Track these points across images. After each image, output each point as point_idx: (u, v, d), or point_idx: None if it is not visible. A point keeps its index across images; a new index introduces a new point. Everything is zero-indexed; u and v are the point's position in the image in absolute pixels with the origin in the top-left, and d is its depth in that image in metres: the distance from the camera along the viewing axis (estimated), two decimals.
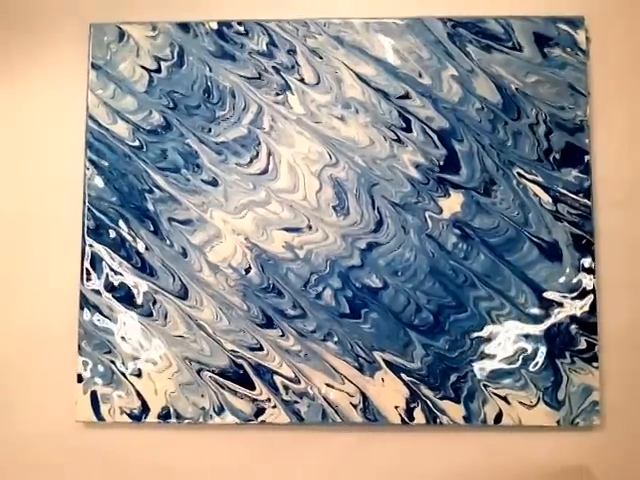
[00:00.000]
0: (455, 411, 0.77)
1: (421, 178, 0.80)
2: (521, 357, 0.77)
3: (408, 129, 0.80)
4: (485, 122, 0.80)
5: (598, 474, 0.77)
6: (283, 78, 0.81)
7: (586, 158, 0.79)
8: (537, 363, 0.77)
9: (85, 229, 0.81)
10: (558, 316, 0.77)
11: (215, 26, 0.82)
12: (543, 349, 0.77)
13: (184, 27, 0.82)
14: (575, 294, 0.78)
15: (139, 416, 0.79)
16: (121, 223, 0.80)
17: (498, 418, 0.77)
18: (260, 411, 0.78)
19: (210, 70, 0.82)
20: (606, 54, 0.80)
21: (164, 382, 0.79)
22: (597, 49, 0.81)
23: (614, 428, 0.77)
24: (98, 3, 0.84)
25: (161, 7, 0.83)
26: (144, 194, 0.81)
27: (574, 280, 0.78)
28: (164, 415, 0.79)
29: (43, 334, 0.81)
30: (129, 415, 0.79)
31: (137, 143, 0.82)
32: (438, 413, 0.77)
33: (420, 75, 0.81)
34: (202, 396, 0.79)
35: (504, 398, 0.77)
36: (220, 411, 0.79)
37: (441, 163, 0.80)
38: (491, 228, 0.79)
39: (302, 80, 0.81)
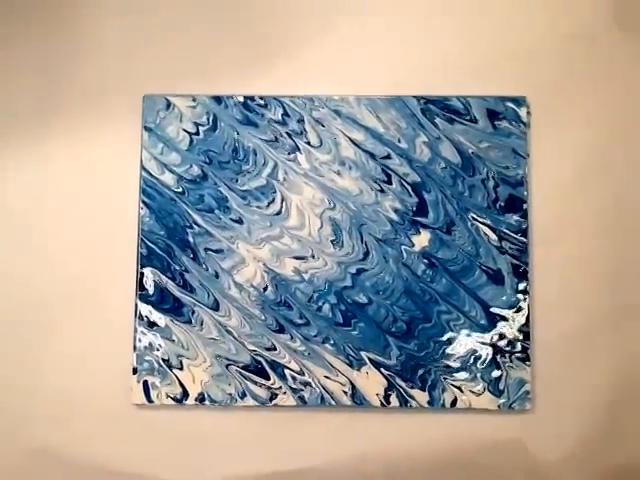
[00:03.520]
0: (421, 397, 0.98)
1: (398, 220, 1.01)
2: (472, 357, 0.99)
3: (389, 182, 1.01)
4: (448, 178, 1.01)
5: (528, 445, 0.98)
6: (294, 141, 1.02)
7: (524, 206, 1.00)
8: (484, 361, 0.99)
9: (139, 256, 1.01)
10: (500, 326, 0.99)
11: (241, 99, 1.03)
12: (489, 351, 0.99)
13: (217, 100, 1.03)
14: (514, 309, 0.99)
15: (180, 399, 0.99)
16: (168, 251, 1.01)
17: (454, 403, 0.98)
18: (274, 396, 0.99)
19: (238, 134, 1.02)
20: (542, 125, 1.01)
21: (200, 374, 0.99)
22: (535, 121, 1.01)
23: (541, 412, 0.98)
24: (149, 80, 1.03)
25: (199, 84, 1.03)
26: (186, 229, 1.02)
27: (513, 299, 0.99)
28: (200, 399, 0.99)
29: (106, 336, 1.01)
30: (172, 399, 0.99)
31: (180, 190, 1.02)
32: (408, 398, 0.98)
33: (399, 141, 1.02)
34: (229, 385, 0.99)
35: (459, 387, 0.98)
36: (243, 396, 0.99)
37: (414, 209, 1.01)
38: (451, 259, 1.00)
39: (308, 143, 1.02)
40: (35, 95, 1.05)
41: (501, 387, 0.98)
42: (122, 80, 1.04)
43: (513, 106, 1.02)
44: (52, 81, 1.05)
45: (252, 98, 1.03)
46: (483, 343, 0.99)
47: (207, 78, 1.04)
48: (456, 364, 0.99)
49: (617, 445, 0.99)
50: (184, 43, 1.04)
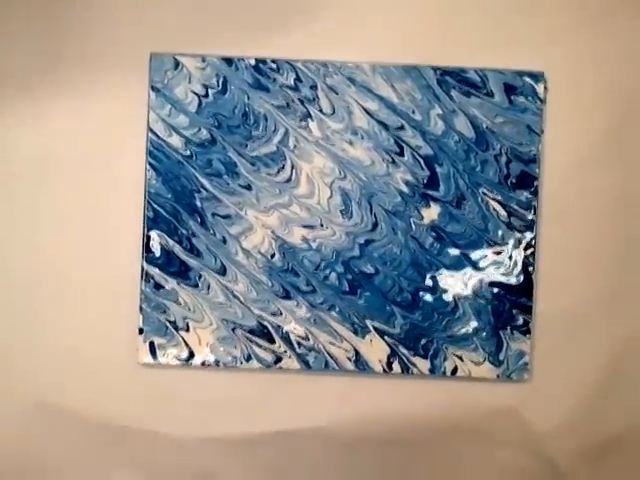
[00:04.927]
0: (423, 365, 1.01)
1: (409, 192, 1.01)
2: (474, 328, 1.02)
3: (401, 154, 1.01)
4: (461, 152, 1.00)
5: (523, 413, 1.02)
6: (306, 108, 1.00)
7: (535, 183, 1.01)
8: (485, 333, 1.01)
9: (145, 218, 1.00)
10: (503, 300, 1.02)
11: (253, 62, 1.00)
12: (491, 323, 1.01)
13: (228, 62, 1.00)
14: (518, 285, 1.01)
15: (186, 360, 1.01)
16: (175, 215, 1.00)
17: (454, 371, 1.01)
18: (279, 359, 1.01)
19: (248, 98, 1.00)
20: (558, 102, 1.00)
21: (206, 336, 1.01)
22: (552, 98, 1.00)
23: (538, 382, 1.02)
24: (157, 38, 0.99)
25: (209, 44, 0.99)
26: (193, 193, 1.01)
27: (518, 275, 1.01)
28: (206, 360, 1.01)
29: (112, 299, 1.02)
30: (178, 359, 1.01)
31: (188, 153, 1.01)
32: (410, 366, 1.01)
33: (413, 112, 1.00)
34: (235, 347, 1.01)
35: (459, 357, 1.01)
36: (248, 359, 1.01)
37: (425, 181, 1.01)
38: (459, 233, 1.01)
39: (321, 110, 1.00)
40: (37, 54, 1.00)
41: (501, 358, 1.02)
42: (128, 38, 1.00)
43: (531, 81, 1.00)
44: (54, 39, 1.00)
45: (264, 61, 1.00)
46: (486, 315, 1.02)
47: (218, 38, 1.00)
48: (458, 334, 1.01)
49: (611, 417, 1.03)
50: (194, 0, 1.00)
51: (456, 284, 1.01)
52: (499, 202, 1.01)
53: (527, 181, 1.01)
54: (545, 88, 1.00)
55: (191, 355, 1.02)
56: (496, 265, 1.01)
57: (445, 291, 1.01)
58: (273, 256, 1.02)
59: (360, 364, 1.02)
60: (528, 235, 1.01)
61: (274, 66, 1.00)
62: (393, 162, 1.01)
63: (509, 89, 1.00)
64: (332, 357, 1.02)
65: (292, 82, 1.00)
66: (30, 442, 1.03)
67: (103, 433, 1.03)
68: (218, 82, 1.00)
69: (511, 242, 1.01)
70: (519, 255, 1.01)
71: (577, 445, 1.04)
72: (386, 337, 1.02)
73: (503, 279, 1.01)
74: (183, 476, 1.04)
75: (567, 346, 1.03)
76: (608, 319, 1.03)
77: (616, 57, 1.01)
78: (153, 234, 1.01)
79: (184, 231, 1.01)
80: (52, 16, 1.00)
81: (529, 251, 1.01)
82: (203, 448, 1.03)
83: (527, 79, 1.00)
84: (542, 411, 1.03)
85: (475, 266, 1.01)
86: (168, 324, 1.02)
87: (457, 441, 1.04)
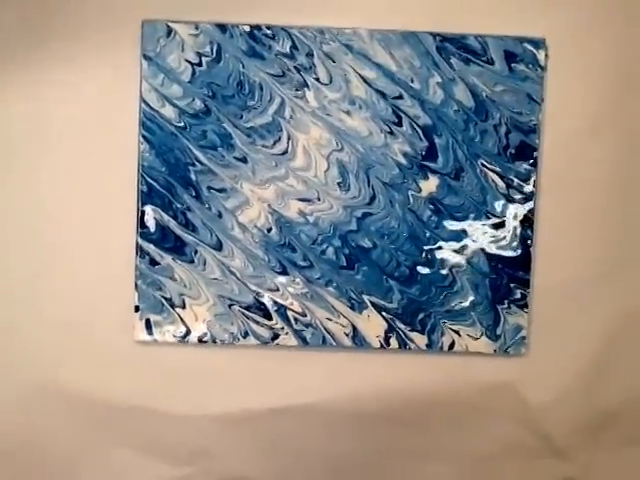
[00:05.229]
0: (420, 340, 1.01)
1: (407, 164, 0.99)
2: (471, 302, 1.00)
3: (399, 124, 0.99)
4: (460, 121, 0.98)
5: (520, 387, 1.02)
6: (302, 77, 0.97)
7: (535, 154, 0.99)
8: (482, 307, 1.00)
9: (139, 192, 0.98)
10: (501, 273, 1.01)
11: (247, 29, 0.97)
12: (488, 297, 1.00)
13: (222, 28, 0.97)
14: (516, 258, 1.00)
15: (183, 337, 1.00)
16: (169, 189, 0.98)
17: (451, 346, 1.00)
18: (276, 336, 1.00)
19: (243, 67, 0.97)
20: (559, 71, 0.98)
21: (203, 313, 0.99)
22: (553, 65, 0.98)
23: (535, 357, 1.01)
24: (149, 4, 0.96)
25: (202, 10, 0.96)
26: (187, 166, 0.98)
27: (516, 248, 1.00)
28: (202, 337, 1.00)
29: (107, 275, 0.99)
30: (175, 336, 1.00)
31: (182, 124, 0.98)
32: (408, 341, 1.00)
33: (412, 80, 0.98)
34: (232, 324, 1.00)
35: (457, 332, 1.00)
36: (245, 335, 1.00)
37: (423, 153, 0.99)
38: (458, 205, 0.99)
39: (317, 79, 0.98)
40: (25, 21, 0.97)
41: (498, 332, 1.01)
42: (119, 5, 0.97)
43: (531, 48, 0.98)
44: (44, 8, 0.97)
45: (259, 28, 0.97)
46: (483, 290, 1.01)
47: (211, 3, 0.97)
48: (455, 309, 1.00)
49: (607, 391, 1.03)
50: None
51: (454, 257, 1.00)
52: (498, 174, 0.99)
53: (526, 152, 0.99)
54: (546, 55, 0.98)
55: (187, 332, 1.00)
56: (494, 238, 1.00)
57: (443, 264, 1.00)
58: (270, 230, 1.00)
59: (357, 340, 1.01)
60: (527, 207, 1.00)
61: (269, 33, 0.97)
62: (391, 133, 0.99)
63: (509, 56, 0.98)
64: (329, 333, 1.01)
65: (288, 49, 0.97)
66: (27, 420, 1.01)
67: (99, 410, 1.01)
68: (212, 50, 0.97)
69: (509, 214, 1.00)
70: (517, 228, 1.00)
71: (573, 419, 1.03)
72: (383, 312, 1.01)
73: (501, 252, 1.00)
74: (180, 453, 1.03)
75: (565, 320, 1.02)
76: (606, 293, 1.02)
77: (619, 23, 0.99)
78: (147, 209, 0.99)
79: (179, 205, 0.99)
80: None
81: (527, 224, 1.00)
82: (200, 425, 1.02)
83: (528, 46, 0.98)
84: (539, 385, 1.02)
85: (473, 239, 1.00)
86: (164, 301, 1.00)
87: (454, 416, 1.03)
